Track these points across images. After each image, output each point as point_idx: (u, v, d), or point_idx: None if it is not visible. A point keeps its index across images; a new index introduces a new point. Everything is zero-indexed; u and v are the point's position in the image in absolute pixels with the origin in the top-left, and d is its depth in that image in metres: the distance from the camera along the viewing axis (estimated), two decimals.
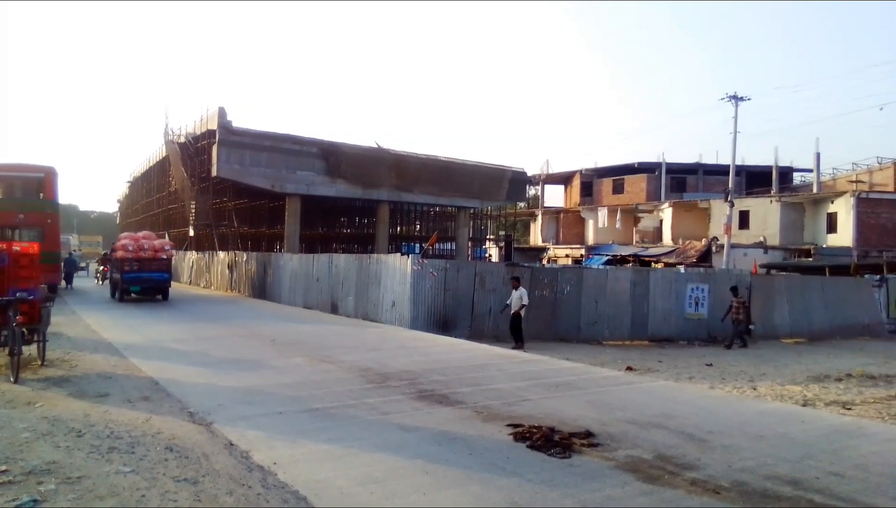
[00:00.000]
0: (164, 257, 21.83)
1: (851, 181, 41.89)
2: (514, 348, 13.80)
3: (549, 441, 5.51)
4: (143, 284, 21.26)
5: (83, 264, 41.00)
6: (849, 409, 9.37)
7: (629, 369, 12.55)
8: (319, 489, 4.43)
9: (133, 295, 21.52)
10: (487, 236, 46.76)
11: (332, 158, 32.16)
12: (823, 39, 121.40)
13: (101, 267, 31.97)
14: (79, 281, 30.50)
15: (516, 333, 14.93)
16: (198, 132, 32.74)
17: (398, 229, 44.75)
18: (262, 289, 24.90)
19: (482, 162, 39.19)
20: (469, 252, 40.75)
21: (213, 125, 29.54)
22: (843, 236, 36.65)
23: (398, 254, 19.86)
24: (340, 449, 5.31)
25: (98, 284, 31.14)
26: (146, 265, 21.07)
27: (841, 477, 4.82)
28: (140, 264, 21.00)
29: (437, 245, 38.69)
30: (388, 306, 16.81)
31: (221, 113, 29.17)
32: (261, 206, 37.29)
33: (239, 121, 30.08)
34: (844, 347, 18.51)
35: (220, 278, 29.75)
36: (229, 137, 29.18)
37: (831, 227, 38.31)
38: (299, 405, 6.85)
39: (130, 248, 21.25)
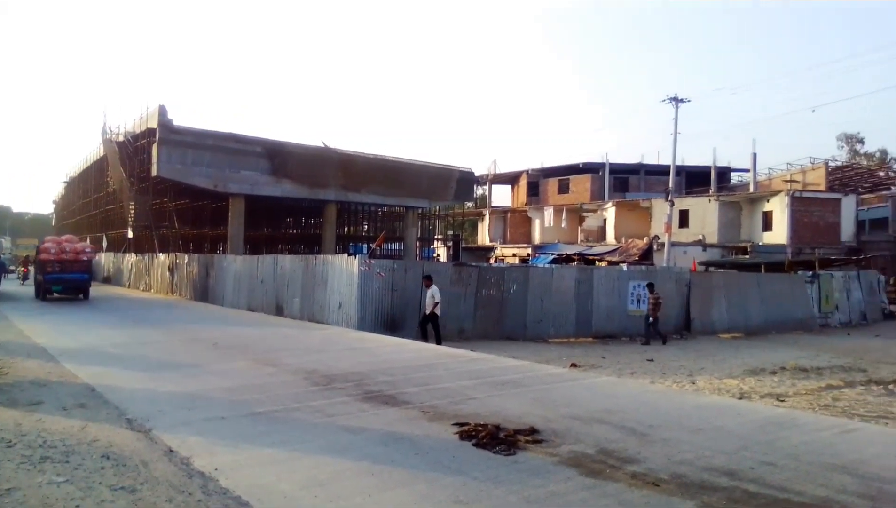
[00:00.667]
0: (85, 258, 23.03)
1: (786, 181, 43.52)
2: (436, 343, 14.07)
3: (495, 439, 5.56)
4: (64, 284, 22.41)
5: (13, 268, 39.64)
6: (782, 401, 9.74)
7: (573, 365, 12.76)
8: (262, 493, 4.36)
9: (56, 294, 22.45)
10: (435, 236, 46.84)
11: (278, 157, 31.70)
12: (760, 44, 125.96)
13: (23, 268, 33.74)
14: (7, 284, 29.31)
15: (424, 330, 14.92)
16: (137, 131, 31.82)
17: (345, 229, 44.42)
18: (204, 292, 24.37)
19: (430, 162, 39.25)
20: (417, 252, 40.75)
21: (154, 124, 28.74)
22: (778, 234, 38.02)
23: (345, 255, 19.73)
24: (284, 453, 5.24)
25: (21, 284, 31.53)
26: (67, 267, 22.17)
27: (774, 467, 4.99)
28: (62, 266, 22.09)
29: (384, 245, 38.55)
30: (334, 308, 16.67)
31: (162, 111, 28.40)
32: (203, 206, 36.47)
33: (181, 120, 29.33)
34: (779, 341, 19.21)
35: (160, 280, 28.99)
36: (170, 135, 28.43)
37: (767, 225, 39.71)
38: (242, 410, 6.73)
39: (53, 250, 22.29)
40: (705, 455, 5.25)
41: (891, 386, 11.56)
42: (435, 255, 46.79)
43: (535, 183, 54.62)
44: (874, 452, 5.50)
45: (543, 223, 49.10)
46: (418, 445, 5.49)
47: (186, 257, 27.11)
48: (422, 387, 7.96)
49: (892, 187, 46.43)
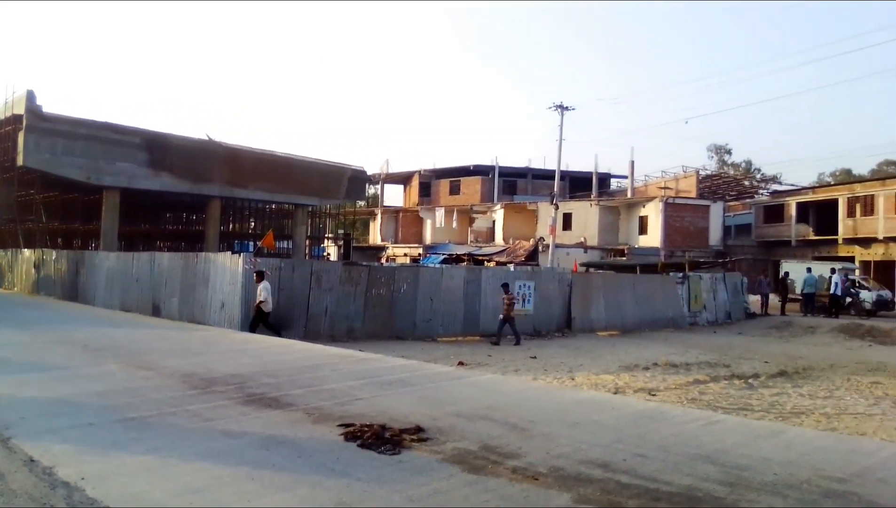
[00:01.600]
0: None
1: (661, 188, 46.15)
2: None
3: (380, 439, 5.55)
4: None
5: None
6: (654, 395, 10.32)
7: (461, 364, 12.95)
8: (132, 502, 4.13)
9: None
10: (326, 235, 46.15)
11: (158, 149, 30.10)
12: (640, 57, 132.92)
13: None
14: None
15: (254, 327, 14.56)
16: (2, 117, 29.31)
17: (231, 226, 42.89)
18: (73, 290, 22.81)
19: (321, 159, 38.60)
20: (307, 251, 39.98)
21: (20, 109, 26.48)
22: (653, 238, 40.27)
23: (229, 253, 19.06)
24: (158, 460, 4.99)
25: None
26: None
27: (645, 458, 5.22)
28: None
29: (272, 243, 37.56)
30: (216, 308, 16.07)
31: (30, 96, 26.23)
32: (74, 199, 34.08)
33: (51, 106, 27.24)
34: (652, 338, 20.27)
35: (24, 278, 26.89)
36: (39, 123, 26.34)
37: (643, 229, 41.95)
38: (113, 415, 6.34)
39: None
40: (582, 448, 5.46)
41: (751, 380, 12.54)
42: (325, 254, 46.13)
43: (428, 184, 55.08)
44: (734, 442, 5.87)
45: (435, 224, 49.60)
46: (301, 448, 5.38)
47: (55, 253, 25.30)
48: (307, 389, 7.82)
49: (756, 196, 50.38)
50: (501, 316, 17.72)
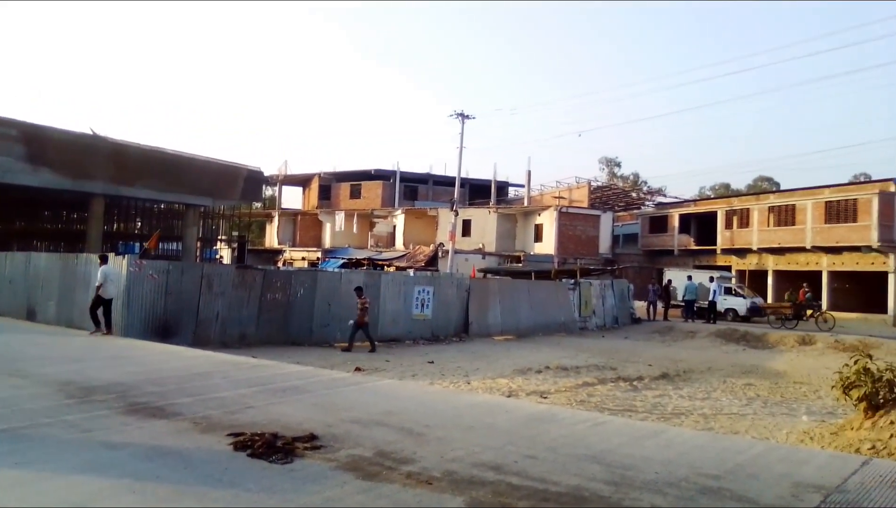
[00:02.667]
0: None
1: (555, 197, 47.67)
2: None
3: (272, 448, 5.43)
4: None
5: None
6: (545, 398, 10.64)
7: (358, 369, 12.87)
8: None
9: None
10: (219, 237, 44.51)
11: (35, 142, 27.97)
12: (535, 70, 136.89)
13: None
14: None
15: (95, 316, 14.04)
16: None
17: (115, 226, 40.57)
18: None
19: (215, 158, 37.20)
20: (198, 253, 38.42)
21: None
22: (547, 245, 41.50)
23: (113, 254, 18.07)
24: (32, 474, 4.67)
25: None
26: None
27: (535, 459, 5.35)
28: None
29: (162, 245, 35.85)
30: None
31: None
32: None
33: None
34: (545, 342, 20.85)
35: None
36: None
37: (538, 236, 43.14)
38: None
39: None
40: (475, 452, 5.55)
41: (635, 382, 13.18)
42: (218, 256, 44.51)
43: (328, 187, 54.34)
44: (619, 442, 6.11)
45: (335, 227, 49.00)
46: (188, 458, 5.18)
47: None
48: (195, 397, 7.53)
49: (643, 207, 53.00)
50: (353, 321, 16.74)
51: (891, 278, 32.03)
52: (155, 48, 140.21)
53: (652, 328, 26.44)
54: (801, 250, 35.93)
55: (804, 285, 29.52)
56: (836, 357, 17.11)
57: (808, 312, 26.76)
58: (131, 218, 42.32)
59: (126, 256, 16.03)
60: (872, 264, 33.00)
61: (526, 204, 47.40)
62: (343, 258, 41.15)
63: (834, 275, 35.19)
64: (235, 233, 49.33)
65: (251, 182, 39.59)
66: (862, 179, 49.02)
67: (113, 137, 31.75)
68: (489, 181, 51.11)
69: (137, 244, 38.55)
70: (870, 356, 8.59)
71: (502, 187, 54.88)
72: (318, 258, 44.77)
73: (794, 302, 27.63)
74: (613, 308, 27.70)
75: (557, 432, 6.49)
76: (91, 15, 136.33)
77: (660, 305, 30.39)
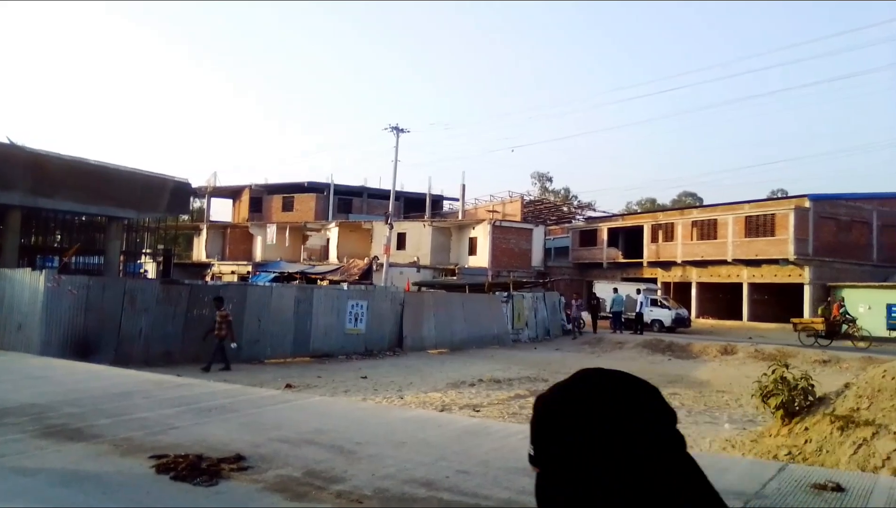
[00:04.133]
0: None
1: (489, 211, 48.21)
2: None
3: (196, 470, 5.24)
4: None
5: None
6: (477, 411, 10.68)
7: (288, 386, 12.61)
8: None
9: None
10: (144, 251, 43.00)
11: None
12: (470, 85, 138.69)
13: None
14: None
15: None
16: None
17: (33, 239, 38.64)
18: None
19: (140, 169, 35.94)
20: (121, 268, 36.98)
21: None
22: (481, 258, 41.87)
23: (29, 269, 17.20)
24: None
25: None
26: None
27: (467, 474, 5.33)
28: None
29: (83, 259, 34.35)
30: (13, 330, 14.39)
31: None
32: None
33: None
34: (479, 355, 20.96)
35: None
36: None
37: (472, 250, 43.49)
38: None
39: None
40: (407, 468, 5.50)
41: None
42: (142, 271, 42.95)
43: (259, 199, 53.32)
44: None
45: (266, 240, 48.06)
46: (107, 483, 4.94)
47: None
48: (116, 418, 7.21)
49: (573, 221, 54.16)
50: (215, 335, 15.23)
51: (806, 289, 33.68)
52: (76, 57, 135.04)
53: (582, 339, 26.94)
54: (723, 262, 37.39)
55: (841, 299, 27.11)
56: (756, 366, 17.83)
57: (844, 328, 24.66)
58: (50, 231, 40.43)
59: (44, 270, 15.28)
60: (789, 276, 34.63)
61: (460, 218, 47.73)
62: (275, 272, 40.36)
63: (754, 287, 36.75)
64: (161, 246, 47.76)
65: (178, 194, 38.40)
66: (779, 196, 51.52)
67: (31, 147, 30.32)
68: (424, 195, 51.24)
69: (56, 258, 36.83)
70: (786, 366, 8.97)
71: (437, 201, 55.12)
72: (248, 272, 43.77)
73: (827, 317, 25.24)
74: (545, 320, 28.12)
75: (489, 445, 6.50)
76: (7, 21, 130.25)
77: (586, 316, 30.53)
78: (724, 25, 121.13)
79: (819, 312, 26.27)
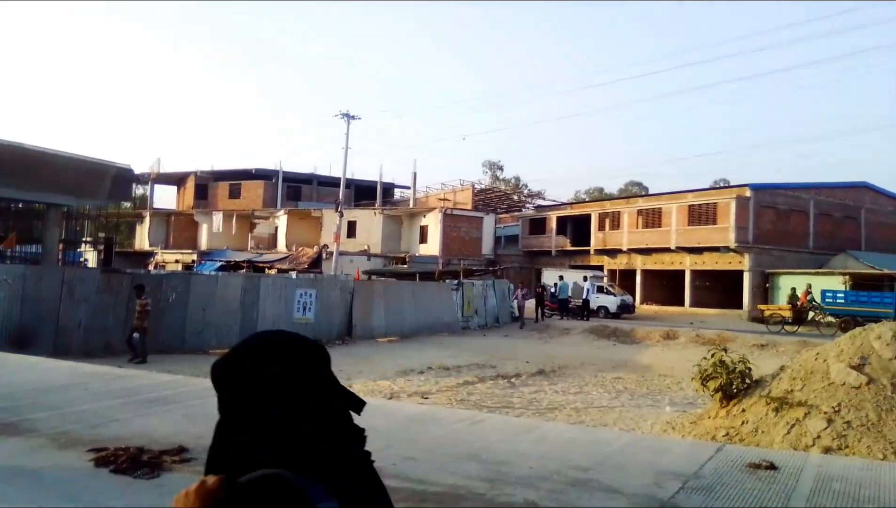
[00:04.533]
0: None
1: (440, 199, 48.18)
2: None
3: (137, 462, 5.13)
4: None
5: None
6: (426, 398, 10.74)
7: None
8: None
9: None
10: (84, 239, 41.61)
11: None
12: (421, 73, 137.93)
13: None
14: None
15: None
16: None
17: None
18: None
19: (79, 155, 34.72)
20: (60, 256, 35.74)
21: None
22: (432, 246, 41.89)
23: None
24: None
25: None
26: None
27: (415, 461, 5.36)
28: None
29: (19, 247, 33.08)
30: None
31: None
32: None
33: None
34: (429, 343, 20.99)
35: None
36: None
37: (423, 238, 43.47)
38: None
39: None
40: None
41: (513, 379, 13.57)
42: (82, 260, 41.60)
43: (205, 186, 52.10)
44: (496, 438, 6.25)
45: (212, 228, 47.08)
46: (44, 478, 4.81)
47: None
48: (54, 411, 7.00)
49: (523, 209, 54.63)
50: (133, 327, 14.49)
51: (746, 275, 34.78)
52: (9, 38, 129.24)
53: (530, 325, 27.25)
54: (667, 250, 38.29)
55: (808, 286, 27.04)
56: (697, 351, 18.32)
57: (811, 315, 24.86)
58: None
59: None
60: (730, 263, 35.69)
61: (412, 206, 47.60)
62: (221, 261, 39.61)
63: (696, 274, 37.77)
64: (102, 235, 46.30)
65: (120, 180, 37.14)
66: (721, 185, 52.90)
67: None
68: (375, 183, 50.90)
69: None
70: (725, 350, 9.27)
71: (388, 189, 54.83)
72: (193, 261, 42.85)
73: (794, 304, 25.61)
74: (495, 308, 28.34)
75: (437, 432, 6.55)
76: None
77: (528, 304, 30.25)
78: (675, 16, 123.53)
79: (787, 300, 26.75)
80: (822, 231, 38.23)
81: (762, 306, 28.46)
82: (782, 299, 29.40)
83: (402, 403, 9.51)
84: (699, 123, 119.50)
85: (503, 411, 9.99)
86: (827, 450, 6.88)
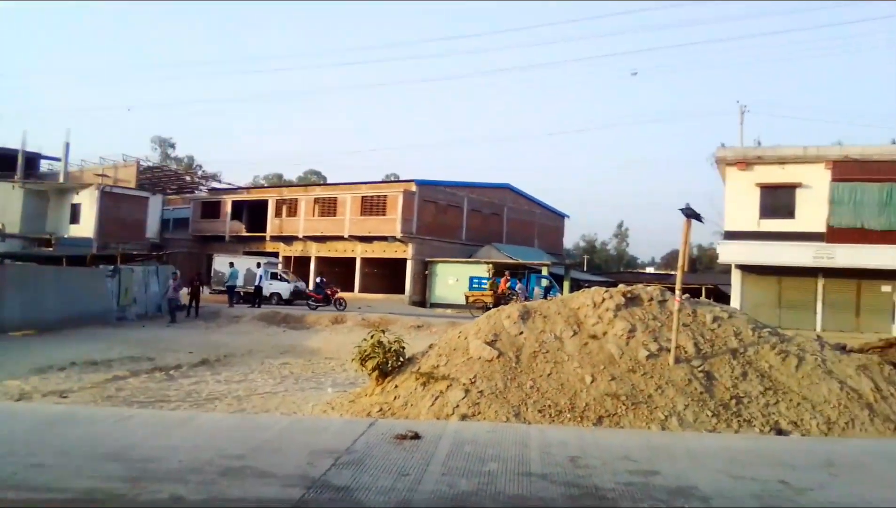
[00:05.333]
0: None
1: (98, 175, 43.15)
2: None
3: None
4: None
5: None
6: (65, 397, 9.60)
7: None
8: None
9: None
10: None
11: None
12: (82, 31, 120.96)
13: None
14: None
15: None
16: None
17: None
18: None
19: None
20: None
21: None
22: (86, 228, 37.61)
23: None
24: None
25: None
26: None
27: (42, 467, 4.83)
28: None
29: None
30: None
31: None
32: None
33: None
34: (75, 336, 18.86)
35: None
36: None
37: (75, 218, 38.86)
38: None
39: None
40: None
41: (172, 372, 12.82)
42: None
43: None
44: (144, 434, 5.90)
45: None
46: None
47: None
48: None
49: (196, 191, 51.71)
50: None
51: (408, 263, 37.79)
52: None
53: (194, 317, 25.59)
54: (341, 238, 39.82)
55: (507, 273, 28.68)
56: (362, 333, 19.16)
57: (512, 300, 24.26)
58: None
59: None
60: (396, 251, 38.45)
61: (62, 180, 41.79)
62: None
63: (366, 261, 39.94)
64: None
65: None
66: (392, 179, 56.46)
67: None
68: (16, 151, 43.41)
69: None
70: (384, 331, 9.90)
71: (32, 159, 47.10)
72: None
73: (495, 291, 27.37)
74: (157, 296, 26.41)
75: (74, 433, 5.97)
76: None
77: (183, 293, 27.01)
78: (365, 14, 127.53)
79: (488, 286, 29.09)
80: (473, 225, 43.25)
81: (467, 293, 30.89)
82: (440, 285, 32.98)
83: (33, 404, 8.34)
84: (377, 118, 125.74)
85: (157, 405, 9.37)
86: (464, 417, 7.77)
